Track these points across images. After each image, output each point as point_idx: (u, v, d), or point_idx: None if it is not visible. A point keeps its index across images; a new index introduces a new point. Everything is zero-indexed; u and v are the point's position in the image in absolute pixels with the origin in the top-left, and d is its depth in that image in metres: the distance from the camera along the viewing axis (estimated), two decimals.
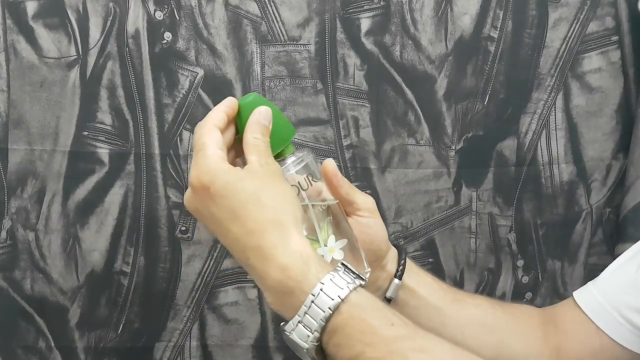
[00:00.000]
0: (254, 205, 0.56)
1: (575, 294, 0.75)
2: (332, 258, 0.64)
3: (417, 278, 0.72)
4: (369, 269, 0.66)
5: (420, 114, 0.89)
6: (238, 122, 0.63)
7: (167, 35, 0.85)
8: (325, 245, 0.65)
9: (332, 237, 0.65)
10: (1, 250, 0.87)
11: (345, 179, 0.68)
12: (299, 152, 0.65)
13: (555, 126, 0.91)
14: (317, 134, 0.88)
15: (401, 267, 0.70)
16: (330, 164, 0.67)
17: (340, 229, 0.66)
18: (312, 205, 0.65)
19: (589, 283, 0.74)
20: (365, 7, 0.87)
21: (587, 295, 0.73)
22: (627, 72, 0.90)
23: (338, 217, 0.67)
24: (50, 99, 0.84)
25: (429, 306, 0.71)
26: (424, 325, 0.69)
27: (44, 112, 0.84)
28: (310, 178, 0.65)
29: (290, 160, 0.64)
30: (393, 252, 0.71)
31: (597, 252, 0.94)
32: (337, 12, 0.86)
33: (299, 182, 0.64)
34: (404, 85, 0.88)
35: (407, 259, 0.71)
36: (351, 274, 0.56)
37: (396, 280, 0.70)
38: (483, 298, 0.76)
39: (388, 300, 0.70)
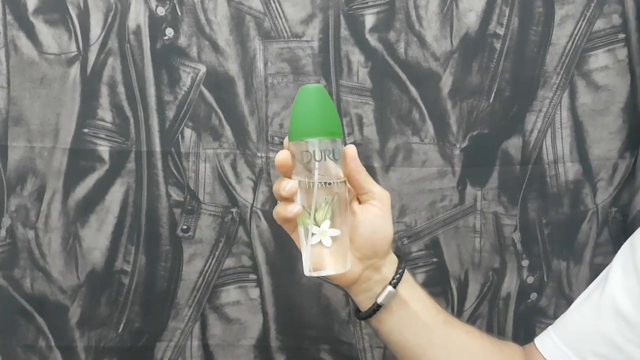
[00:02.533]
0: None
1: (537, 340, 0.74)
2: (320, 242, 0.66)
3: (412, 291, 0.71)
4: (348, 269, 0.67)
5: (425, 112, 0.88)
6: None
7: (169, 32, 0.84)
8: (318, 226, 0.66)
9: (327, 222, 0.66)
10: (1, 248, 0.86)
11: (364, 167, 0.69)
12: None
13: (561, 124, 0.90)
14: None
15: (398, 276, 0.70)
16: (351, 148, 0.67)
17: (338, 220, 0.66)
18: (319, 181, 0.65)
19: (550, 328, 0.74)
20: (370, 4, 0.86)
21: (549, 343, 0.73)
22: (633, 70, 0.89)
23: (342, 208, 0.67)
24: (51, 95, 0.84)
25: (418, 321, 0.71)
26: (410, 339, 0.70)
27: (44, 109, 0.84)
28: (326, 154, 0.65)
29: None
30: (392, 258, 0.71)
31: (603, 252, 0.93)
32: (341, 8, 0.86)
33: (314, 151, 0.65)
34: (408, 83, 0.87)
35: (406, 271, 0.71)
36: None
37: (390, 288, 0.69)
38: (473, 327, 0.76)
39: (379, 306, 0.70)
